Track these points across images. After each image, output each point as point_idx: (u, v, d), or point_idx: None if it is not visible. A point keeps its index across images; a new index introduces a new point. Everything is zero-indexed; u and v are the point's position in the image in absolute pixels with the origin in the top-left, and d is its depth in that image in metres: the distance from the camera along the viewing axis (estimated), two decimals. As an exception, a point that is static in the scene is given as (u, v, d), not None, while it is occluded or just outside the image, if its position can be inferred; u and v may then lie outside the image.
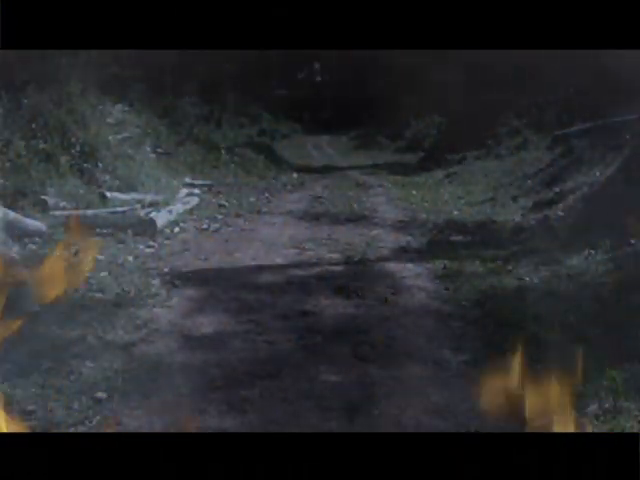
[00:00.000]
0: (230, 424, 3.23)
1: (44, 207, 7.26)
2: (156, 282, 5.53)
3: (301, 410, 3.41)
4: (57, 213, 7.26)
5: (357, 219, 8.95)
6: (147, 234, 7.21)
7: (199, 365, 3.96)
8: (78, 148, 9.09)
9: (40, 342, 3.95)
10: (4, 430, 1.52)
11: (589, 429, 2.61)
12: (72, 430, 3.10)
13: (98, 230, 7.21)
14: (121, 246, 6.75)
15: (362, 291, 5.44)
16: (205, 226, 8.22)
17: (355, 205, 10.19)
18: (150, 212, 7.74)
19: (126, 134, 11.28)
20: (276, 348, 4.28)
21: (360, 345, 4.29)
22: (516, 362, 1.77)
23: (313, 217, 9.12)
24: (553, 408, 1.62)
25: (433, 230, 8.07)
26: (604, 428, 3.05)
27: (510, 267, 6.03)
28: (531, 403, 1.66)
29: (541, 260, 6.11)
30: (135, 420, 3.24)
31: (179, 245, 7.11)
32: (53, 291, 1.80)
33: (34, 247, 6.24)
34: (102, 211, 7.68)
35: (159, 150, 12.47)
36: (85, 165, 8.99)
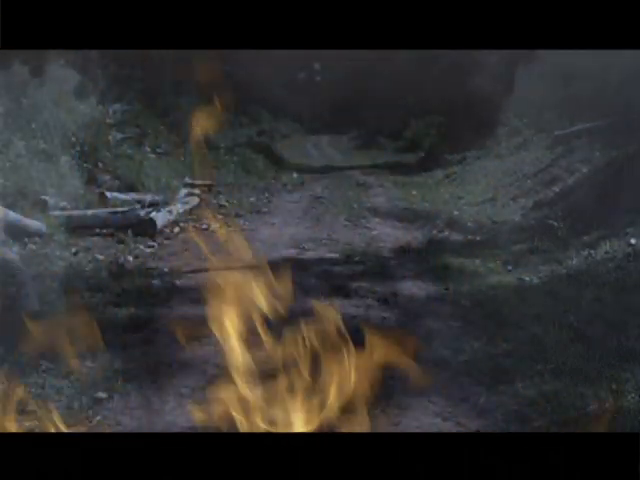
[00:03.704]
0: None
1: (44, 207, 7.26)
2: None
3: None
4: (57, 213, 7.26)
5: (357, 219, 8.95)
6: (147, 234, 7.21)
7: (198, 363, 3.96)
8: (78, 148, 9.09)
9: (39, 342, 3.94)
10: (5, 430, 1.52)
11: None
12: (72, 430, 3.09)
13: (98, 230, 7.22)
14: (121, 246, 6.75)
15: (362, 291, 5.44)
16: (205, 226, 8.22)
17: (355, 205, 10.19)
18: (150, 212, 7.74)
19: (126, 134, 11.28)
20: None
21: (360, 345, 4.28)
22: None
23: (313, 217, 9.12)
24: None
25: (433, 230, 8.07)
26: (604, 428, 3.05)
27: (510, 267, 6.04)
28: None
29: (541, 260, 6.11)
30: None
31: (179, 245, 7.11)
32: None
33: (34, 247, 6.24)
34: (102, 211, 7.68)
35: (159, 150, 12.46)
36: (85, 165, 8.99)
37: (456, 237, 7.64)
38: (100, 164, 9.32)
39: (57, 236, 6.54)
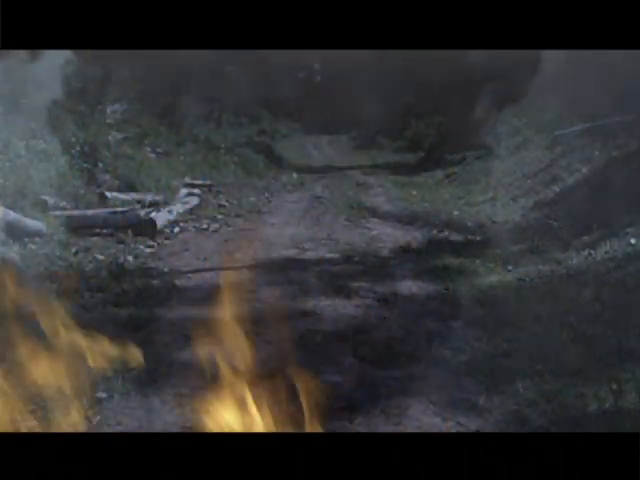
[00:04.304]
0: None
1: (44, 207, 7.26)
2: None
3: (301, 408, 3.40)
4: (57, 213, 7.26)
5: (357, 219, 8.95)
6: (147, 234, 7.21)
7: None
8: (78, 148, 9.09)
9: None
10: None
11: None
12: (72, 430, 3.09)
13: (98, 230, 7.22)
14: (121, 246, 6.75)
15: (362, 291, 5.44)
16: (205, 226, 8.23)
17: (355, 205, 10.19)
18: (150, 212, 7.74)
19: (126, 134, 11.28)
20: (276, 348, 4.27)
21: (360, 345, 4.28)
22: None
23: (313, 217, 9.12)
24: None
25: (433, 230, 8.07)
26: (604, 428, 3.05)
27: (510, 267, 6.04)
28: None
29: (541, 260, 6.11)
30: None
31: (179, 245, 7.11)
32: None
33: (34, 247, 6.24)
34: (102, 211, 7.68)
35: (159, 150, 12.46)
36: (85, 165, 8.99)
37: (456, 237, 7.64)
38: (100, 164, 9.32)
39: (57, 236, 6.54)
